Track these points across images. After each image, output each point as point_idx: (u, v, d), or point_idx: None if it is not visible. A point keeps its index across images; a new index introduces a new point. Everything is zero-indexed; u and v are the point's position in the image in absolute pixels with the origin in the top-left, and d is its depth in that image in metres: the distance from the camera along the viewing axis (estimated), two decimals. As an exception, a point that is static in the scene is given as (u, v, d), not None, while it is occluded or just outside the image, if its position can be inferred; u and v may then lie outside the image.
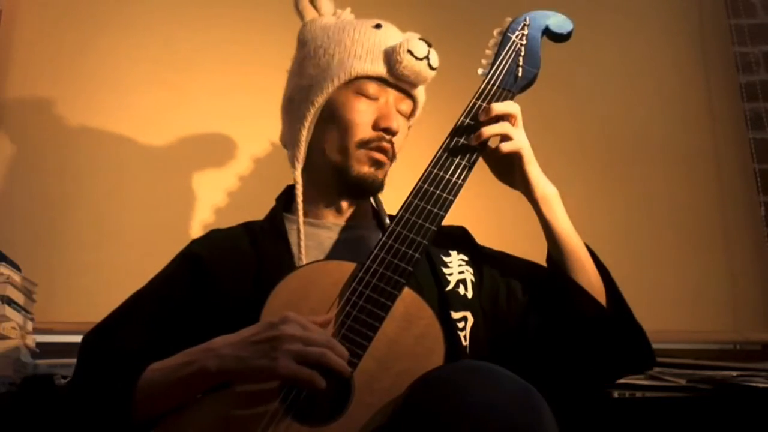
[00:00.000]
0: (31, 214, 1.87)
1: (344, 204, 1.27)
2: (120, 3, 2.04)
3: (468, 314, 1.18)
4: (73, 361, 1.14)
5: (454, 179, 1.12)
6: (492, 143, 1.17)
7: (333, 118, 1.23)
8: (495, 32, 1.26)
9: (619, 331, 1.15)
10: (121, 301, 1.20)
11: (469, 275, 1.22)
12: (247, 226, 1.28)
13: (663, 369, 1.56)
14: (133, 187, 1.92)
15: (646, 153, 2.14)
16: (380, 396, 0.94)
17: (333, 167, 1.24)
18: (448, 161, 1.13)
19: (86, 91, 1.96)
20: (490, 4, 2.09)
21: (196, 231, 1.88)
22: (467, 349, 1.15)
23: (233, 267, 1.19)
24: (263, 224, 1.28)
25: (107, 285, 1.78)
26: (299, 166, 1.27)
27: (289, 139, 1.30)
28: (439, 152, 1.14)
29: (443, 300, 1.17)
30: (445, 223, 1.10)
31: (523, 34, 1.24)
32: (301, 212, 1.23)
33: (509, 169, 1.19)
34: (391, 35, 1.24)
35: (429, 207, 1.09)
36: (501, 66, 1.21)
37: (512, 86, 1.20)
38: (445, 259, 1.23)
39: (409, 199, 1.11)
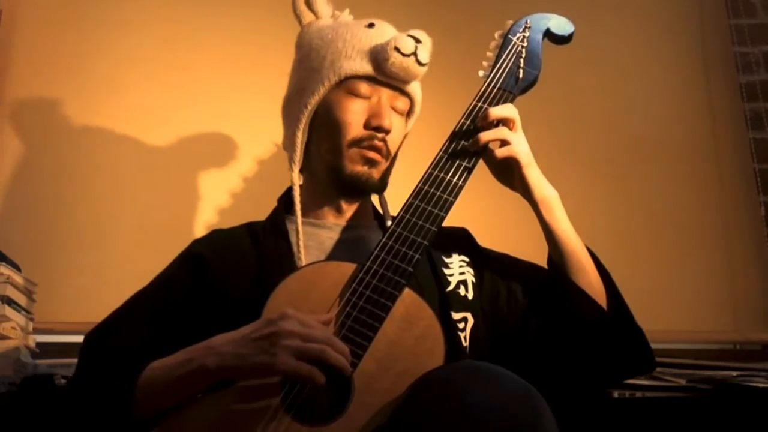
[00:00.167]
0: (31, 214, 1.87)
1: (344, 204, 1.27)
2: (120, 3, 2.03)
3: (468, 315, 1.18)
4: (73, 361, 1.14)
5: (454, 180, 1.12)
6: (492, 146, 1.17)
7: (326, 119, 1.24)
8: (496, 34, 1.27)
9: (619, 334, 1.15)
10: (121, 301, 1.20)
11: (469, 276, 1.22)
12: (249, 227, 1.29)
13: (663, 369, 1.56)
14: (134, 187, 1.92)
15: (646, 153, 2.14)
16: (380, 396, 0.94)
17: (328, 167, 1.24)
18: (449, 163, 1.13)
19: (86, 91, 1.96)
20: (491, 5, 2.11)
21: (197, 231, 1.88)
22: (467, 350, 1.15)
23: (235, 267, 1.19)
24: (265, 225, 1.28)
25: (107, 285, 1.78)
26: (296, 168, 1.28)
27: (286, 142, 1.31)
28: (440, 154, 1.15)
29: (444, 301, 1.17)
30: (446, 224, 1.10)
31: (524, 36, 1.24)
32: (299, 213, 1.23)
33: (509, 172, 1.19)
34: (384, 34, 1.24)
35: (429, 208, 1.09)
36: (502, 68, 1.21)
37: (513, 88, 1.20)
38: (446, 259, 1.24)
39: (410, 200, 1.11)
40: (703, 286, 2.05)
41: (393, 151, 1.25)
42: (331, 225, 1.27)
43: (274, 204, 1.33)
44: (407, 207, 1.10)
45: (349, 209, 1.28)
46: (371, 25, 1.27)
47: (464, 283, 1.21)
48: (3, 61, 1.96)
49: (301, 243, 1.20)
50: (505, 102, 1.18)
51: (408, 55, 1.19)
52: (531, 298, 1.22)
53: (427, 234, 1.07)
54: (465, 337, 1.16)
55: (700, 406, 1.45)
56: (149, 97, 1.97)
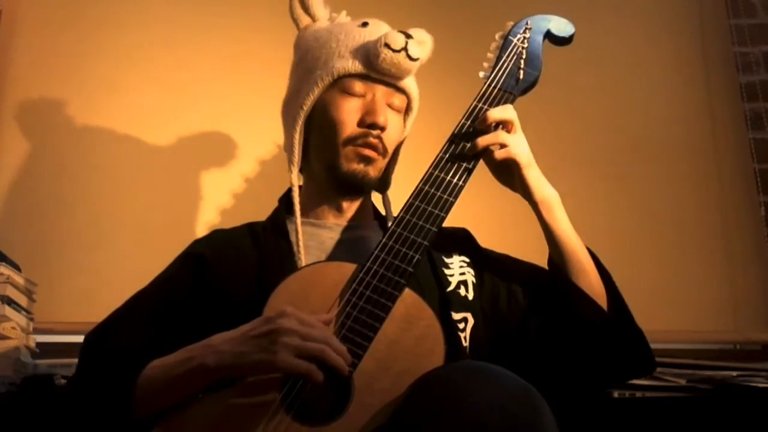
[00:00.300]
0: (31, 214, 1.87)
1: (343, 203, 1.27)
2: (120, 3, 2.03)
3: (468, 315, 1.18)
4: (73, 361, 1.14)
5: (455, 181, 1.12)
6: (492, 147, 1.17)
7: (322, 119, 1.24)
8: (497, 36, 1.27)
9: (619, 336, 1.15)
10: (121, 301, 1.20)
11: (470, 276, 1.22)
12: (250, 227, 1.29)
13: (663, 369, 1.56)
14: (134, 187, 1.92)
15: (646, 153, 2.14)
16: (380, 396, 0.94)
17: (326, 167, 1.25)
18: (449, 163, 1.13)
19: (86, 91, 1.96)
20: (492, 6, 2.11)
21: (197, 231, 1.88)
22: (467, 350, 1.15)
23: (235, 267, 1.19)
24: (265, 225, 1.28)
25: (107, 285, 1.78)
26: (294, 169, 1.28)
27: (286, 143, 1.31)
28: (441, 154, 1.15)
29: (444, 301, 1.17)
30: (447, 224, 1.10)
31: (524, 38, 1.24)
32: (298, 214, 1.23)
33: (508, 173, 1.18)
34: (377, 32, 1.24)
35: (430, 208, 1.09)
36: (502, 69, 1.22)
37: (513, 89, 1.20)
38: (447, 260, 1.24)
39: (410, 200, 1.11)
40: (703, 286, 2.05)
41: (390, 148, 1.25)
42: (332, 225, 1.27)
43: (275, 204, 1.33)
44: (407, 207, 1.10)
45: (349, 209, 1.28)
46: (365, 24, 1.27)
47: (464, 283, 1.21)
48: (3, 61, 1.96)
49: (301, 243, 1.20)
50: (505, 103, 1.19)
51: (398, 51, 1.19)
52: (531, 298, 1.22)
53: (428, 234, 1.07)
54: (465, 338, 1.16)
55: (700, 406, 1.45)
56: (149, 97, 1.97)
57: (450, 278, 1.21)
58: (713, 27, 2.27)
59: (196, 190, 1.95)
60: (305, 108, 1.25)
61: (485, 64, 1.24)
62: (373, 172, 1.24)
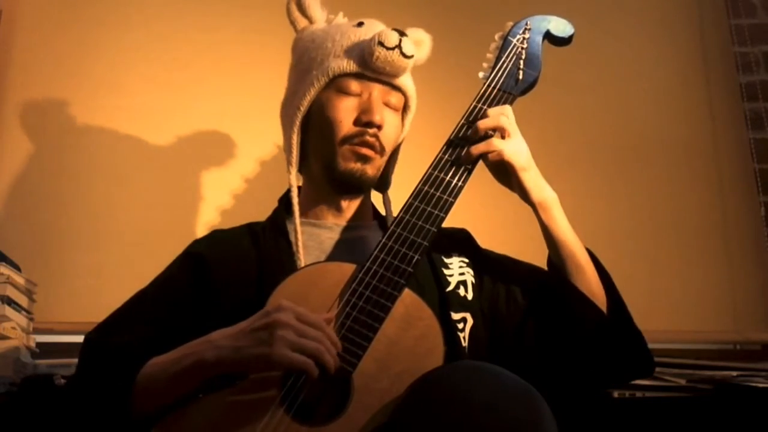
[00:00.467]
0: (31, 214, 1.87)
1: (342, 203, 1.27)
2: (120, 3, 2.03)
3: (468, 315, 1.18)
4: (73, 361, 1.14)
5: (454, 182, 1.12)
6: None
7: (319, 119, 1.25)
8: (496, 36, 1.27)
9: (618, 337, 1.15)
10: (121, 301, 1.20)
11: (469, 277, 1.22)
12: (250, 227, 1.29)
13: (663, 369, 1.56)
14: (133, 187, 1.92)
15: (646, 153, 2.14)
16: (380, 396, 0.94)
17: (323, 166, 1.25)
18: (449, 164, 1.14)
19: (86, 91, 1.96)
20: (491, 7, 2.11)
21: (197, 232, 1.88)
22: (467, 350, 1.15)
23: (235, 267, 1.19)
24: (265, 225, 1.28)
25: (107, 285, 1.79)
26: (293, 170, 1.28)
27: (284, 144, 1.31)
28: (440, 155, 1.15)
29: (443, 301, 1.17)
30: (446, 224, 1.10)
31: (524, 38, 1.24)
32: (297, 215, 1.23)
33: (507, 174, 1.18)
34: (372, 31, 1.24)
35: (429, 209, 1.09)
36: (502, 69, 1.22)
37: (513, 89, 1.20)
38: (446, 260, 1.24)
39: (410, 200, 1.11)
40: (703, 286, 2.05)
41: (387, 146, 1.25)
42: (331, 225, 1.27)
43: (274, 204, 1.33)
44: (407, 207, 1.10)
45: (348, 208, 1.28)
46: (360, 24, 1.28)
47: (464, 283, 1.21)
48: (3, 61, 1.96)
49: (300, 243, 1.20)
50: (504, 103, 1.19)
51: (392, 48, 1.19)
52: (530, 299, 1.22)
53: (427, 235, 1.07)
54: (464, 338, 1.16)
55: (700, 406, 1.45)
56: (149, 97, 1.97)
57: (449, 278, 1.21)
58: (713, 27, 2.28)
59: (196, 190, 1.95)
60: (302, 109, 1.25)
61: (485, 65, 1.24)
62: (371, 170, 1.24)
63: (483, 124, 1.14)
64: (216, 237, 1.29)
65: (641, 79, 2.20)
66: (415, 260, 1.05)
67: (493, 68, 1.22)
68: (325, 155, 1.24)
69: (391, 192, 1.35)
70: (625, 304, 1.18)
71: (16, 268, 1.59)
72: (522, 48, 1.24)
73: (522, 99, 1.22)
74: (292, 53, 1.34)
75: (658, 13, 2.27)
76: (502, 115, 1.15)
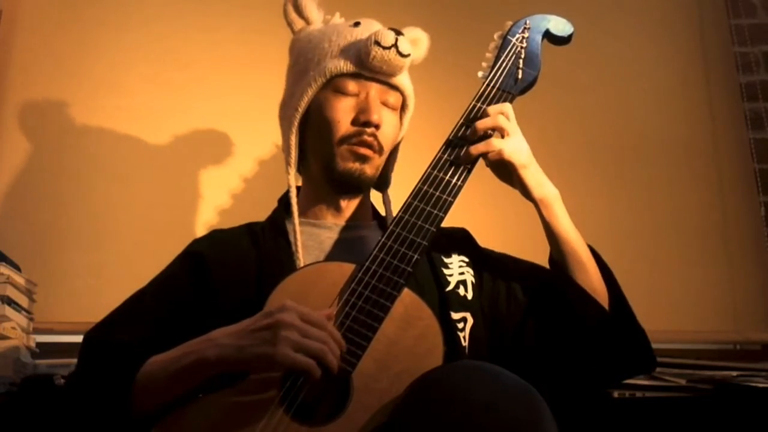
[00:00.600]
0: (31, 214, 1.87)
1: (342, 203, 1.27)
2: (120, 3, 2.04)
3: (468, 315, 1.18)
4: (73, 361, 1.14)
5: (453, 181, 1.12)
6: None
7: (317, 120, 1.25)
8: (495, 35, 1.27)
9: (620, 334, 1.15)
10: (121, 301, 1.20)
11: (469, 276, 1.22)
12: (249, 227, 1.29)
13: (663, 369, 1.56)
14: (133, 187, 1.92)
15: (646, 153, 2.14)
16: (379, 396, 0.94)
17: (322, 167, 1.25)
18: (448, 163, 1.14)
19: (86, 91, 1.96)
20: (491, 6, 2.11)
21: (197, 232, 1.88)
22: (467, 350, 1.15)
23: (235, 266, 1.19)
24: (264, 225, 1.28)
25: (107, 285, 1.79)
26: (292, 171, 1.28)
27: (283, 145, 1.31)
28: (439, 154, 1.15)
29: (443, 300, 1.17)
30: (446, 224, 1.10)
31: (523, 37, 1.24)
32: (296, 215, 1.23)
33: (507, 172, 1.18)
34: (368, 30, 1.24)
35: (429, 208, 1.10)
36: (501, 68, 1.22)
37: (512, 88, 1.20)
38: (446, 260, 1.24)
39: (409, 200, 1.11)
40: (703, 286, 2.05)
41: (386, 145, 1.25)
42: (331, 225, 1.27)
43: (274, 204, 1.33)
44: (406, 207, 1.10)
45: (348, 208, 1.28)
46: (357, 24, 1.28)
47: (464, 283, 1.21)
48: (3, 61, 1.96)
49: (299, 243, 1.20)
50: (504, 102, 1.19)
51: (388, 48, 1.19)
52: (531, 297, 1.22)
53: (426, 234, 1.08)
54: (464, 337, 1.16)
55: (700, 406, 1.45)
56: (149, 97, 1.97)
57: (449, 278, 1.21)
58: (713, 27, 2.28)
59: (196, 191, 1.95)
60: (300, 110, 1.25)
61: (484, 64, 1.24)
62: (370, 170, 1.24)
63: (482, 124, 1.14)
64: (216, 236, 1.29)
65: (641, 79, 2.20)
66: (414, 260, 1.05)
67: (493, 67, 1.22)
68: (324, 155, 1.24)
69: (391, 191, 1.35)
70: (627, 300, 1.19)
71: (16, 268, 1.59)
72: (521, 47, 1.24)
73: (522, 99, 1.22)
74: (290, 54, 1.34)
75: (658, 13, 2.27)
76: (501, 114, 1.16)
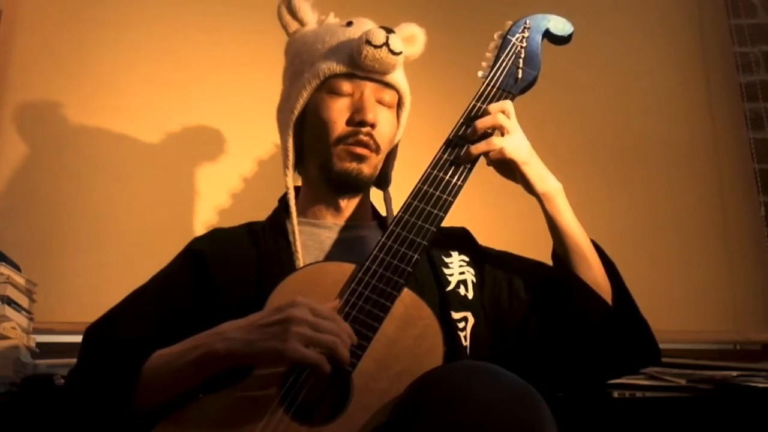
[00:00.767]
0: (31, 214, 1.87)
1: (341, 202, 1.27)
2: (120, 3, 2.03)
3: (468, 314, 1.18)
4: (73, 361, 1.13)
5: (453, 181, 1.12)
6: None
7: (313, 121, 1.25)
8: (495, 35, 1.27)
9: (624, 328, 1.15)
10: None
11: (470, 276, 1.23)
12: (249, 227, 1.29)
13: (663, 369, 1.56)
14: (133, 187, 1.92)
15: (646, 153, 2.14)
16: (379, 396, 0.94)
17: (320, 168, 1.25)
18: (448, 163, 1.14)
19: (86, 91, 1.96)
20: (491, 6, 2.11)
21: (196, 232, 1.88)
22: (467, 350, 1.15)
23: (235, 265, 1.19)
24: (265, 224, 1.29)
25: (107, 285, 1.78)
26: (289, 173, 1.28)
27: (281, 147, 1.31)
28: (439, 154, 1.15)
29: (443, 300, 1.17)
30: (446, 223, 1.10)
31: (523, 37, 1.24)
32: (294, 216, 1.23)
33: (509, 168, 1.19)
34: (361, 30, 1.24)
35: (429, 208, 1.10)
36: (501, 68, 1.22)
37: (512, 88, 1.20)
38: (446, 259, 1.24)
39: (409, 200, 1.11)
40: (703, 286, 2.05)
41: (383, 144, 1.25)
42: (331, 225, 1.27)
43: (274, 204, 1.33)
44: (406, 207, 1.10)
45: (347, 208, 1.28)
46: (349, 24, 1.28)
47: (464, 282, 1.21)
48: (3, 61, 1.96)
49: (298, 244, 1.20)
50: (503, 101, 1.18)
51: (379, 46, 1.19)
52: (533, 294, 1.22)
53: (426, 234, 1.08)
54: (465, 337, 1.16)
55: (700, 406, 1.45)
56: (149, 97, 1.97)
57: (449, 278, 1.21)
58: (713, 27, 2.28)
59: (196, 191, 1.95)
60: (296, 112, 1.26)
61: (484, 64, 1.25)
62: (367, 169, 1.24)
63: (481, 123, 1.15)
64: (216, 235, 1.29)
65: (641, 79, 2.20)
66: (414, 260, 1.05)
67: (493, 67, 1.22)
68: (321, 156, 1.24)
69: (392, 191, 1.35)
70: (629, 293, 1.19)
71: (16, 268, 1.59)
72: (521, 47, 1.24)
73: (522, 98, 1.22)
74: (285, 56, 1.34)
75: (658, 13, 2.27)
76: (501, 112, 1.16)
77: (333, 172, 1.23)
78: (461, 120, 1.18)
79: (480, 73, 1.23)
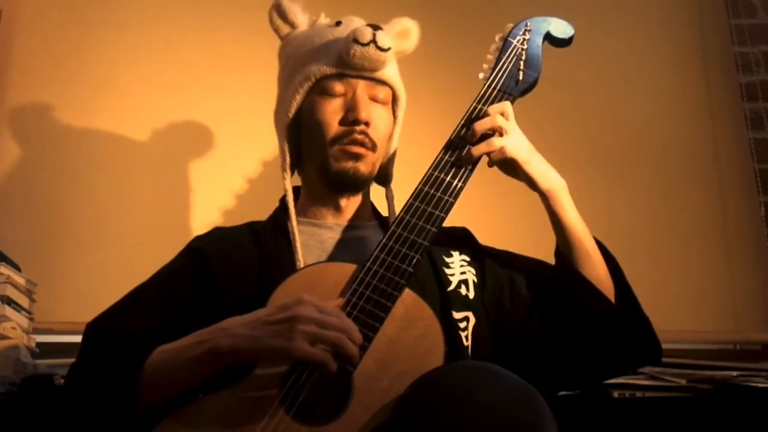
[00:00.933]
0: (31, 215, 1.87)
1: (341, 202, 1.27)
2: (120, 3, 2.03)
3: (470, 314, 1.18)
4: (73, 360, 1.13)
5: (454, 182, 1.12)
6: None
7: (308, 123, 1.25)
8: (496, 37, 1.27)
9: (626, 325, 1.15)
10: (122, 302, 1.20)
11: (471, 275, 1.23)
12: (250, 226, 1.29)
13: (663, 369, 1.56)
14: (133, 187, 1.92)
15: (646, 153, 2.14)
16: (380, 396, 0.94)
17: (317, 168, 1.25)
18: (449, 164, 1.14)
19: (86, 91, 1.96)
20: (492, 8, 2.11)
21: (196, 231, 1.85)
22: (469, 350, 1.15)
23: (236, 264, 1.19)
24: (266, 224, 1.29)
25: (107, 285, 1.76)
26: (287, 176, 1.29)
27: (279, 150, 1.31)
28: (440, 155, 1.15)
29: (444, 300, 1.17)
30: (447, 223, 1.11)
31: (524, 39, 1.25)
32: (293, 218, 1.24)
33: (512, 167, 1.19)
34: (349, 29, 1.24)
35: (430, 209, 1.10)
36: (502, 70, 1.22)
37: (513, 90, 1.21)
38: (447, 259, 1.24)
39: (410, 201, 1.11)
40: (703, 286, 2.05)
41: (378, 141, 1.25)
42: (332, 225, 1.27)
43: (275, 204, 1.33)
44: (407, 208, 1.11)
45: (348, 208, 1.28)
46: (338, 23, 1.28)
47: (465, 282, 1.21)
48: (3, 61, 1.96)
49: (298, 245, 1.20)
50: (504, 103, 1.19)
51: (367, 44, 1.19)
52: (535, 292, 1.22)
53: (427, 235, 1.08)
54: (467, 337, 1.16)
55: (700, 406, 1.45)
56: (149, 97, 1.97)
57: (450, 277, 1.21)
58: (713, 27, 2.28)
59: (196, 190, 1.95)
60: (290, 115, 1.27)
61: (485, 66, 1.25)
62: (364, 167, 1.24)
63: (480, 125, 1.15)
64: (217, 234, 1.29)
65: (641, 79, 2.20)
66: (415, 260, 1.05)
67: (493, 69, 1.23)
68: (318, 157, 1.24)
69: (392, 192, 1.35)
70: (632, 290, 1.19)
71: (16, 268, 1.59)
72: (522, 49, 1.24)
73: (522, 99, 1.22)
74: (279, 60, 1.35)
75: (658, 13, 2.27)
76: (500, 114, 1.16)
77: (331, 172, 1.23)
78: (462, 121, 1.18)
79: (481, 75, 1.24)
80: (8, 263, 1.56)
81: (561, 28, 1.27)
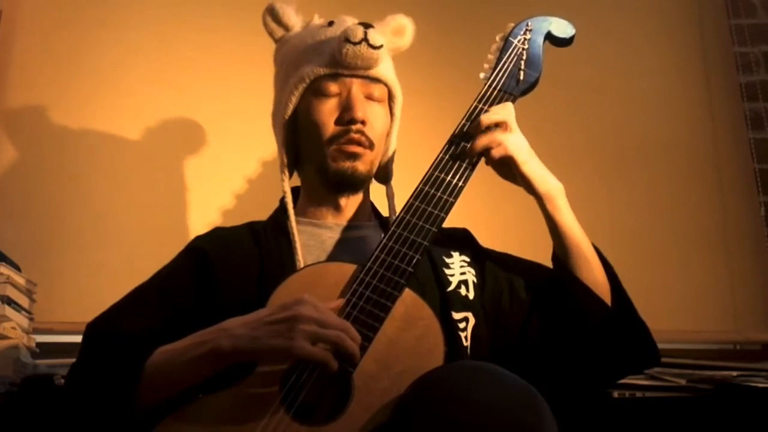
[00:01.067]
0: (31, 215, 1.87)
1: (341, 202, 1.27)
2: (120, 3, 2.03)
3: (469, 315, 1.18)
4: (73, 361, 1.13)
5: (455, 182, 1.12)
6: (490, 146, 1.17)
7: (304, 125, 1.26)
8: (497, 37, 1.28)
9: (623, 330, 1.15)
10: (122, 300, 1.20)
11: (470, 276, 1.23)
12: (250, 226, 1.29)
13: (663, 369, 1.56)
14: (133, 187, 1.92)
15: (646, 153, 2.14)
16: (380, 396, 0.94)
17: (316, 169, 1.26)
18: (450, 164, 1.14)
19: (86, 91, 1.96)
20: (493, 8, 2.11)
21: (197, 232, 1.85)
22: (468, 350, 1.15)
23: (237, 264, 1.19)
24: (266, 224, 1.29)
25: (107, 285, 1.76)
26: (285, 178, 1.29)
27: (278, 152, 1.32)
28: (441, 155, 1.15)
29: (444, 300, 1.17)
30: (447, 224, 1.11)
31: (525, 39, 1.25)
32: (292, 218, 1.24)
33: (510, 169, 1.19)
34: (341, 28, 1.24)
35: (430, 209, 1.10)
36: (503, 70, 1.22)
37: (514, 89, 1.21)
38: (447, 260, 1.24)
39: (410, 200, 1.11)
40: (703, 286, 2.05)
41: (375, 139, 1.25)
42: (332, 225, 1.27)
43: (275, 204, 1.33)
44: (407, 208, 1.11)
45: (347, 207, 1.28)
46: (330, 23, 1.28)
47: (465, 282, 1.21)
48: (3, 61, 1.96)
49: (298, 245, 1.20)
50: (505, 103, 1.19)
51: (358, 43, 1.19)
52: (533, 295, 1.22)
53: (427, 235, 1.08)
54: (466, 337, 1.16)
55: (700, 406, 1.45)
56: (149, 97, 1.97)
57: (450, 278, 1.21)
58: (713, 27, 2.28)
59: (196, 190, 1.95)
60: (287, 117, 1.27)
61: (485, 65, 1.25)
62: (362, 166, 1.24)
63: (486, 118, 1.15)
64: (218, 234, 1.29)
65: (641, 79, 2.20)
66: (415, 260, 1.05)
67: (494, 69, 1.23)
68: (316, 158, 1.24)
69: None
70: (628, 295, 1.19)
71: (16, 268, 1.59)
72: (523, 49, 1.24)
73: (522, 99, 1.22)
74: (274, 63, 1.35)
75: (658, 13, 2.27)
76: (504, 111, 1.16)
77: (329, 172, 1.23)
78: (463, 121, 1.18)
79: (482, 75, 1.24)
80: (8, 263, 1.56)
81: (562, 28, 1.27)
